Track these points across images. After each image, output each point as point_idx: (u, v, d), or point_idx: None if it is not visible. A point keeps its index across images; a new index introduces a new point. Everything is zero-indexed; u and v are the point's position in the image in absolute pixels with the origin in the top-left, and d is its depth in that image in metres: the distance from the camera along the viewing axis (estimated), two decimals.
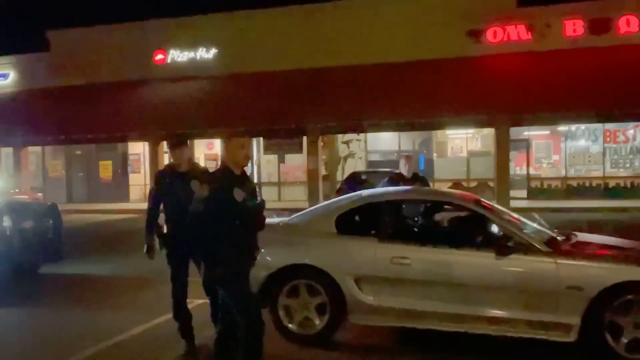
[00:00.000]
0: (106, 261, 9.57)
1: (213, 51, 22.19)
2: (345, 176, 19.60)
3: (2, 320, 6.04)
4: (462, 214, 5.40)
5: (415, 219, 6.06)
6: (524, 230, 4.83)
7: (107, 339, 5.18)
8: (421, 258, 4.71)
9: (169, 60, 22.59)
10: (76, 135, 20.55)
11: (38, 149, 23.48)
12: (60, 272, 8.39)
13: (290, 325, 4.93)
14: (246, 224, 3.69)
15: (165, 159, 21.73)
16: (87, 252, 10.09)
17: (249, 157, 3.87)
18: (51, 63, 23.72)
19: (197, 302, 5.41)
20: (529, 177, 19.59)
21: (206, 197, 3.60)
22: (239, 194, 3.63)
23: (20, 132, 21.11)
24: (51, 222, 8.35)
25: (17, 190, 18.91)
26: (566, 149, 19.47)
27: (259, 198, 3.91)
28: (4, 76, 24.33)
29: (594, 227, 11.63)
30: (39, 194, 20.39)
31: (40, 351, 4.98)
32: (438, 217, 5.94)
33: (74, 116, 20.22)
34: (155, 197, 4.97)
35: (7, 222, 7.49)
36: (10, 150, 22.42)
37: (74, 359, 4.71)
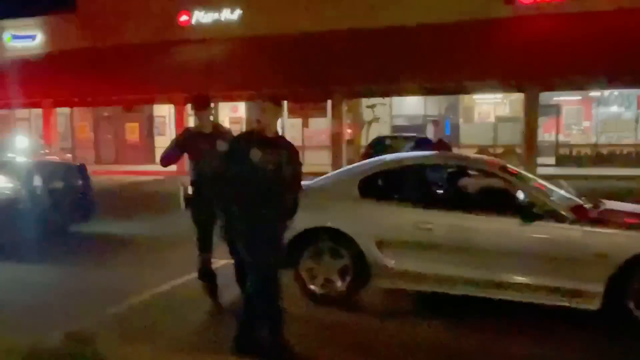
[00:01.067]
0: (133, 221, 9.74)
1: (237, 12, 21.95)
2: (369, 141, 19.45)
3: (33, 276, 6.16)
4: (488, 179, 5.33)
5: (440, 184, 6.00)
6: (550, 197, 4.77)
7: (133, 296, 5.27)
8: (444, 223, 4.70)
9: (193, 22, 22.48)
10: (103, 97, 20.72)
11: (66, 110, 23.80)
12: (89, 231, 8.52)
13: (312, 287, 4.99)
14: (262, 185, 3.69)
15: (191, 122, 21.85)
16: (115, 213, 10.23)
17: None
18: (77, 24, 23.82)
19: (222, 262, 5.43)
20: (557, 144, 19.18)
21: (225, 154, 3.74)
22: (255, 154, 3.66)
23: (49, 94, 21.44)
24: (80, 182, 8.45)
25: (46, 151, 19.26)
26: (597, 115, 18.93)
27: (282, 161, 3.81)
28: (32, 37, 24.56)
29: (623, 195, 11.40)
30: (68, 155, 20.83)
31: (70, 307, 5.08)
32: (463, 182, 5.86)
33: (101, 78, 20.35)
34: (175, 145, 5.05)
35: (37, 181, 7.59)
36: (39, 111, 22.79)
37: (102, 314, 4.83)
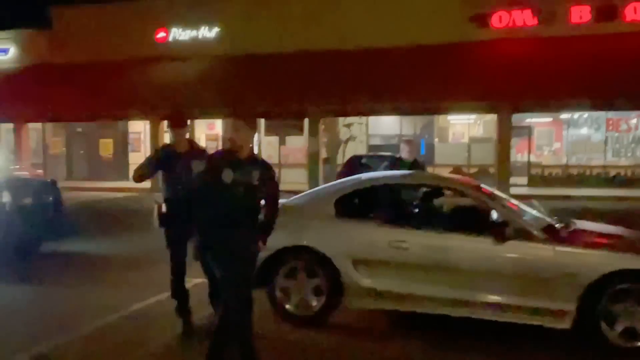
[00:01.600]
0: (105, 239, 9.56)
1: (215, 30, 21.97)
2: (345, 159, 19.54)
3: (4, 297, 6.03)
4: (461, 199, 5.38)
5: (415, 203, 6.05)
6: (523, 217, 4.82)
7: (104, 316, 5.19)
8: (419, 242, 4.72)
9: (170, 39, 22.40)
10: (77, 113, 20.41)
11: (38, 125, 23.37)
12: (60, 249, 8.34)
13: (287, 306, 4.96)
14: (234, 205, 3.70)
15: (166, 138, 21.66)
16: (87, 230, 9.92)
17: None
18: (53, 39, 23.53)
19: (196, 281, 5.39)
20: (530, 164, 19.55)
21: (198, 175, 3.76)
22: (227, 175, 3.66)
23: (21, 109, 21.04)
24: (51, 198, 8.25)
25: (17, 167, 18.88)
26: (568, 137, 19.40)
27: (254, 181, 3.81)
28: (5, 51, 24.13)
29: (594, 215, 11.62)
30: (40, 171, 20.42)
31: (37, 328, 4.99)
32: (437, 202, 5.96)
33: (75, 93, 20.08)
34: (150, 163, 5.03)
35: (6, 197, 7.41)
36: (10, 126, 22.34)
37: (71, 335, 4.74)
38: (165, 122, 19.41)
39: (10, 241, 7.28)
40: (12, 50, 24.17)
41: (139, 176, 5.04)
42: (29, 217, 7.61)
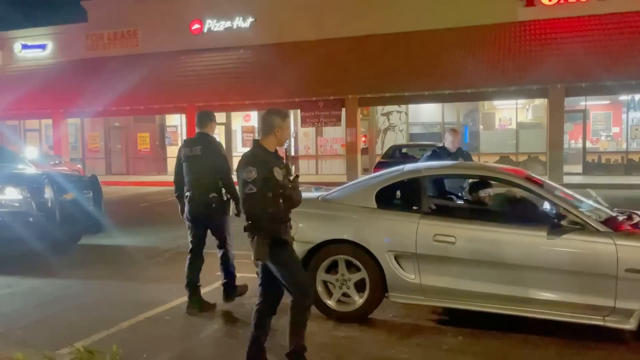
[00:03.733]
0: (144, 233, 9.49)
1: (250, 20, 21.62)
2: (385, 149, 18.77)
3: (46, 290, 6.00)
4: (511, 190, 5.05)
5: (461, 194, 5.83)
6: (579, 209, 4.44)
7: (146, 310, 5.12)
8: (466, 236, 4.45)
9: (205, 30, 22.21)
10: (114, 107, 20.36)
11: (77, 120, 23.58)
12: (100, 244, 8.41)
13: (328, 302, 4.80)
14: (288, 202, 3.64)
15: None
16: (127, 224, 10.07)
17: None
18: (89, 34, 23.69)
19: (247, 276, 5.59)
20: (585, 151, 18.24)
21: (255, 179, 3.50)
22: (278, 173, 3.60)
23: (59, 104, 21.20)
24: (91, 193, 8.34)
25: (57, 162, 18.97)
26: (628, 121, 17.95)
27: (292, 174, 3.77)
28: (42, 47, 24.47)
29: None
30: (79, 166, 20.51)
31: (78, 322, 4.91)
32: (485, 193, 5.55)
33: (112, 88, 20.01)
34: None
35: (48, 194, 7.52)
36: (49, 122, 22.56)
37: (115, 328, 4.68)
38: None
39: (51, 236, 7.40)
40: (50, 46, 24.49)
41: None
42: (70, 212, 7.72)
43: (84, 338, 4.40)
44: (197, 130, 5.18)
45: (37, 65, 24.13)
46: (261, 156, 3.61)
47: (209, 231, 5.16)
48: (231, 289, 5.22)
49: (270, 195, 3.53)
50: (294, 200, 3.62)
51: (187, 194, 5.00)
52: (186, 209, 5.04)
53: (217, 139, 5.38)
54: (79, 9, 24.18)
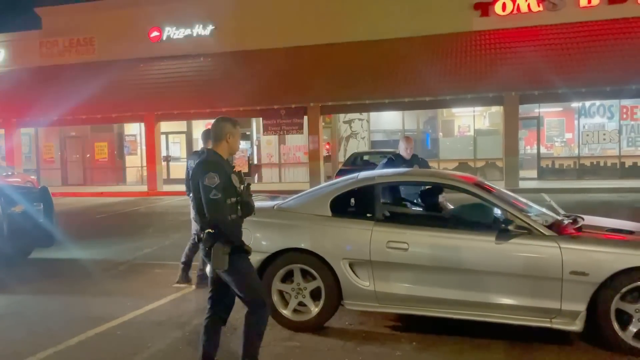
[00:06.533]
0: (100, 245, 9.22)
1: (210, 27, 21.47)
2: (347, 157, 18.87)
3: None
4: (462, 196, 5.05)
5: (414, 201, 5.88)
6: (527, 214, 4.55)
7: (97, 325, 4.99)
8: (418, 242, 4.50)
9: (164, 38, 21.93)
10: (70, 116, 19.82)
11: (31, 130, 22.87)
12: (52, 257, 8.17)
13: (284, 311, 4.78)
14: (245, 209, 3.61)
15: (162, 140, 21.14)
16: (81, 237, 9.80)
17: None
18: (43, 41, 23.07)
19: (191, 287, 5.77)
20: (539, 157, 18.78)
21: (218, 185, 3.44)
22: (235, 180, 3.56)
23: (12, 113, 20.51)
24: (42, 205, 8.08)
25: (9, 173, 18.36)
26: (579, 127, 18.58)
27: (245, 182, 3.72)
28: None
29: (607, 209, 11.01)
30: (33, 177, 19.88)
31: (29, 338, 4.78)
32: (437, 199, 5.69)
33: (68, 96, 19.49)
34: None
35: None
36: (2, 131, 21.81)
37: (63, 345, 4.53)
38: (160, 124, 18.93)
39: (0, 250, 7.21)
40: (2, 54, 23.71)
41: None
42: (19, 225, 7.48)
43: (29, 356, 4.24)
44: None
45: None
46: (220, 162, 3.57)
47: None
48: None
49: (230, 202, 3.48)
50: (251, 207, 3.60)
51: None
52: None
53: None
54: (32, 15, 23.55)
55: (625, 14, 17.65)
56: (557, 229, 4.36)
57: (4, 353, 4.40)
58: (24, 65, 22.98)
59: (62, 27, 22.75)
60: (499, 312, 4.29)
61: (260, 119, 19.71)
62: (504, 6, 18.88)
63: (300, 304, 4.76)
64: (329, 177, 18.46)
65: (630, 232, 4.65)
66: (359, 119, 20.98)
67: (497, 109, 19.07)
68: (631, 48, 16.61)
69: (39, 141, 23.46)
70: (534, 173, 18.55)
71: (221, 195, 3.42)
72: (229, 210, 3.46)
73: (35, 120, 20.35)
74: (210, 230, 3.46)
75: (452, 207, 5.44)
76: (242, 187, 3.58)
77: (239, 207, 3.53)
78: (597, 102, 18.11)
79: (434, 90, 16.74)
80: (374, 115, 20.68)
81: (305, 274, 4.74)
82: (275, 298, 4.76)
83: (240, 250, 3.52)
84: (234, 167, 3.69)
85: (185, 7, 21.42)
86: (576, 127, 18.79)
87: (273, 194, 6.59)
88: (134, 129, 22.60)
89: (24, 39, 23.47)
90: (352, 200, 5.27)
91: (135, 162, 22.52)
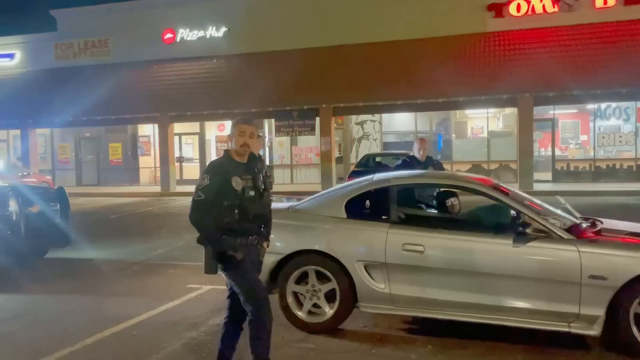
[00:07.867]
0: (114, 246, 9.30)
1: (223, 30, 21.54)
2: (359, 158, 18.83)
3: (8, 305, 5.85)
4: (475, 199, 5.01)
5: (429, 203, 5.82)
6: (544, 217, 4.48)
7: (113, 325, 5.01)
8: (434, 245, 4.47)
9: (178, 40, 22.04)
10: (84, 117, 20.00)
11: (46, 131, 23.10)
12: (67, 257, 8.22)
13: (298, 313, 4.78)
14: (242, 213, 3.50)
15: (176, 141, 21.29)
16: (96, 237, 9.86)
17: (247, 145, 3.56)
18: (58, 43, 23.30)
19: (206, 287, 5.70)
20: (554, 159, 18.60)
21: (206, 186, 3.43)
22: (237, 183, 3.48)
23: (28, 114, 20.75)
24: (58, 206, 8.17)
25: (25, 174, 18.54)
26: (595, 129, 18.38)
27: (261, 186, 3.61)
28: (11, 56, 23.95)
29: (624, 212, 10.88)
30: (48, 177, 20.08)
31: (45, 337, 4.79)
32: (453, 202, 5.56)
33: (82, 97, 19.67)
34: None
35: (13, 206, 7.36)
36: (18, 132, 22.06)
37: (79, 345, 4.56)
38: (174, 125, 19.02)
39: (16, 250, 7.25)
40: (18, 55, 23.99)
41: None
42: (35, 225, 7.54)
43: (46, 355, 4.26)
44: None
45: (5, 74, 23.61)
46: (221, 165, 3.56)
47: None
48: None
49: (226, 205, 3.45)
50: (249, 213, 3.51)
51: None
52: None
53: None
54: (48, 17, 23.80)
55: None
56: (575, 233, 4.31)
57: (22, 352, 4.43)
58: (39, 67, 23.24)
59: (77, 29, 22.97)
60: (516, 316, 4.25)
61: (273, 120, 19.74)
62: (518, 7, 18.73)
63: (315, 305, 4.75)
64: (340, 179, 18.45)
65: None
66: (371, 121, 20.93)
67: (511, 111, 18.93)
68: None
69: (54, 142, 23.70)
70: (548, 175, 18.37)
71: (205, 197, 3.39)
72: (223, 212, 3.43)
73: (50, 121, 20.56)
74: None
75: (459, 208, 5.39)
76: (245, 190, 3.49)
77: (236, 211, 3.47)
78: (613, 104, 17.91)
79: (447, 92, 16.65)
80: (386, 116, 20.63)
81: (320, 276, 4.73)
82: (290, 300, 4.76)
83: (227, 257, 3.44)
84: (255, 169, 3.58)
85: (198, 10, 21.52)
86: (591, 129, 18.59)
87: (289, 196, 6.59)
88: (148, 130, 22.75)
89: (40, 41, 23.73)
90: (368, 202, 5.22)
91: (148, 163, 22.67)
